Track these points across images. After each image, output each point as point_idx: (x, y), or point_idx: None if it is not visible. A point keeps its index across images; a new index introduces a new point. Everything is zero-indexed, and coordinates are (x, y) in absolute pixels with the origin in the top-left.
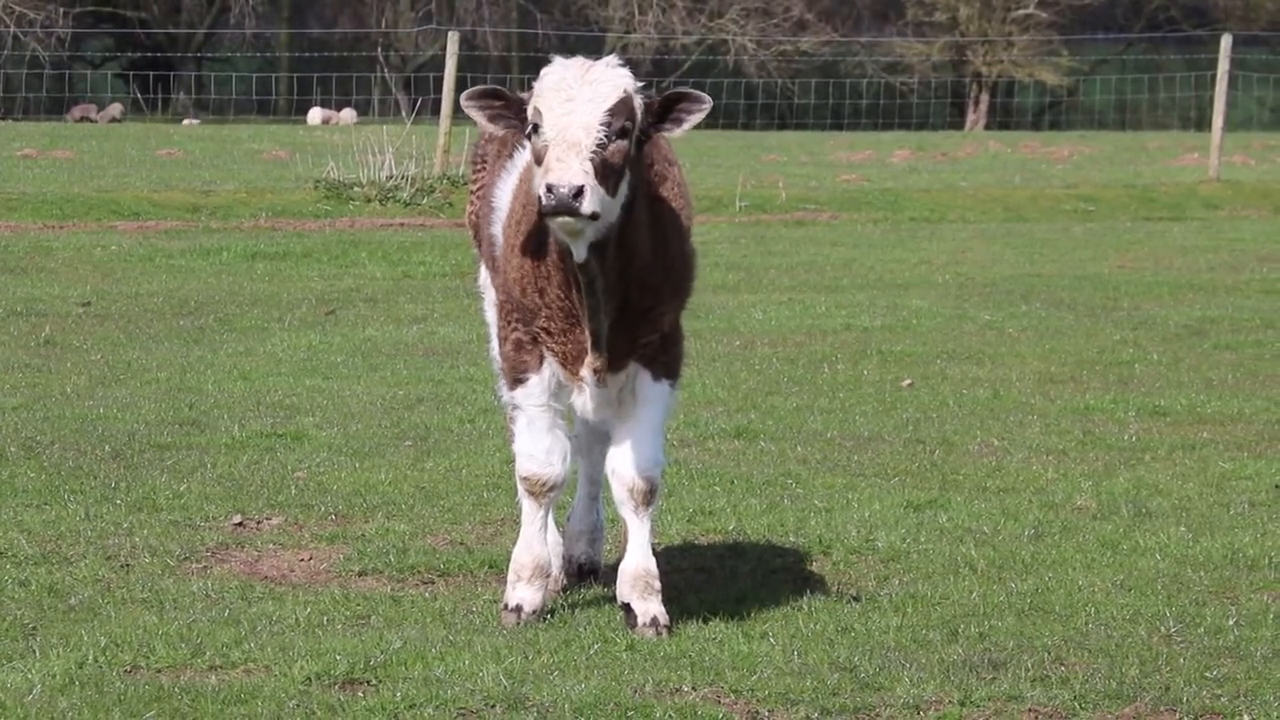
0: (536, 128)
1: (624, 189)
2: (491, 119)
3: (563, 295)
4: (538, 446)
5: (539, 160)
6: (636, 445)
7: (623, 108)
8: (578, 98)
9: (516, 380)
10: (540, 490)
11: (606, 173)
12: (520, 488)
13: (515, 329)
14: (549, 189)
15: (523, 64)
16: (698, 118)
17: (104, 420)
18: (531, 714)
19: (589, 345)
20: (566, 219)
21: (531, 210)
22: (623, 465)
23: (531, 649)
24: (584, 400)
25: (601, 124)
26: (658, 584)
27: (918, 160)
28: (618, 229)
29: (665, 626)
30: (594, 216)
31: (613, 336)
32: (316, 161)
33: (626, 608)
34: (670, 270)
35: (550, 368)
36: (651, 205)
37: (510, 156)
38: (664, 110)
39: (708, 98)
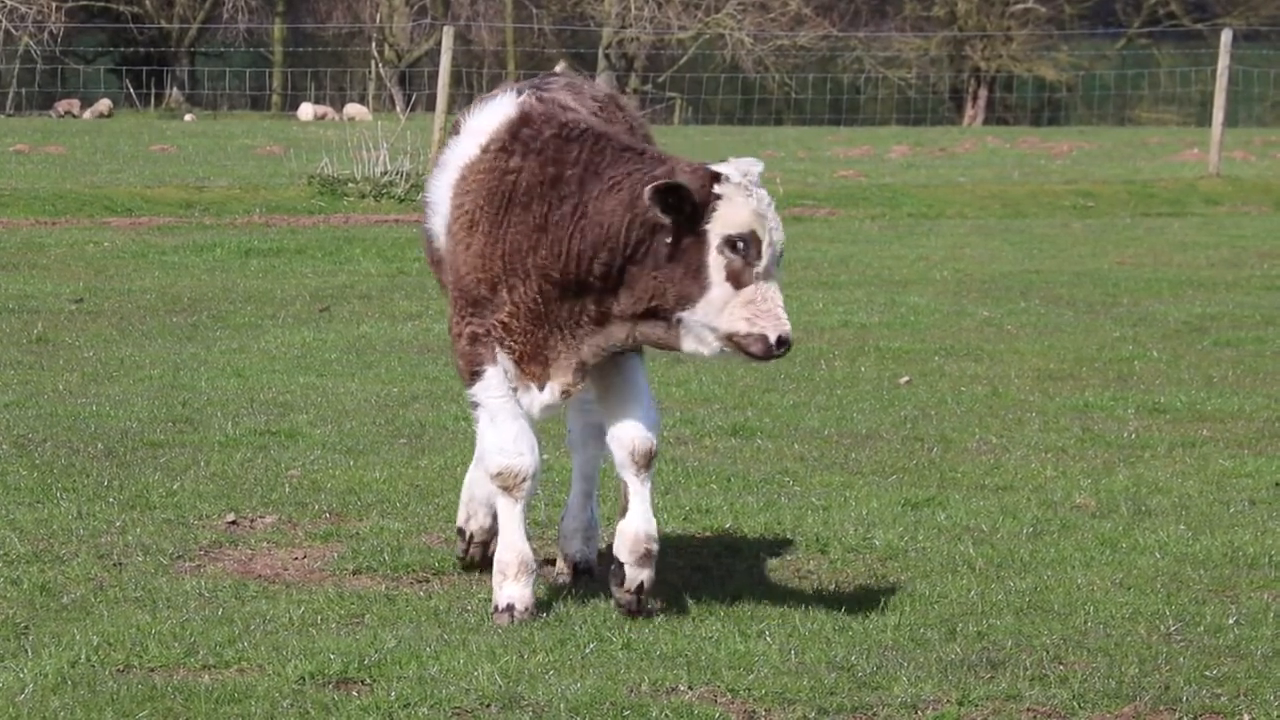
0: (738, 247)
1: None
2: (664, 210)
3: (537, 301)
4: (504, 438)
5: (737, 284)
6: (633, 410)
7: None
8: (775, 231)
9: (474, 374)
10: (514, 483)
11: None
12: (494, 485)
13: (470, 322)
14: (781, 341)
15: (518, 59)
16: None
17: (96, 418)
18: (527, 713)
19: (570, 370)
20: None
21: (490, 209)
22: (622, 429)
23: (527, 648)
24: (530, 399)
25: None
26: (656, 548)
27: (916, 156)
28: None
29: (649, 594)
30: None
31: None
32: (310, 157)
33: (619, 567)
34: None
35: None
36: None
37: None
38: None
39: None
